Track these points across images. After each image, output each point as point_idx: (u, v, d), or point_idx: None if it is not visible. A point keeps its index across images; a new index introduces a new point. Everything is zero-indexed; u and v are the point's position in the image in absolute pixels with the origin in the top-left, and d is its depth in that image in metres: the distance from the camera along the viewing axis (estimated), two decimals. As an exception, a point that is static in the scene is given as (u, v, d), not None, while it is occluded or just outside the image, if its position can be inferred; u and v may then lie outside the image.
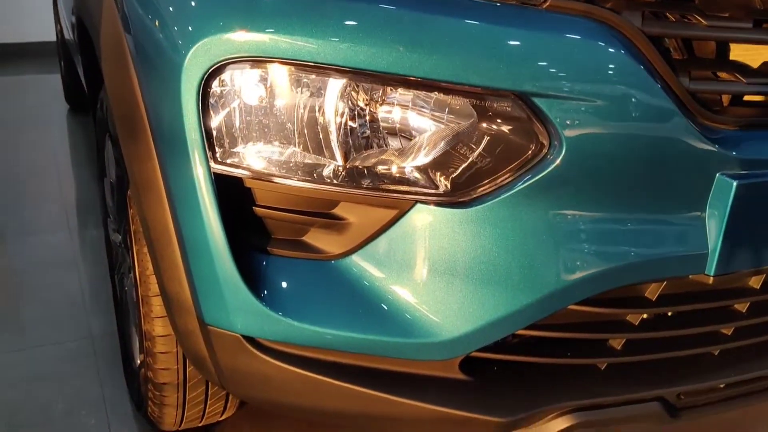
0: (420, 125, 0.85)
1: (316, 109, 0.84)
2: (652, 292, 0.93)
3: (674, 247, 0.87)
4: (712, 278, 0.88)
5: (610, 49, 0.80)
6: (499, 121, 0.82)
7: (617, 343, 0.95)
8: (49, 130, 3.34)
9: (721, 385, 1.00)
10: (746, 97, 0.91)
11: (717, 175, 0.85)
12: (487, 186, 0.84)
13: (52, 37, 3.87)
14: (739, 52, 0.90)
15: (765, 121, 0.89)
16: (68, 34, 2.35)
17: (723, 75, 0.89)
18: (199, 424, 1.29)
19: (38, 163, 2.88)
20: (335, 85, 0.83)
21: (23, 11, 4.63)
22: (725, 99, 0.90)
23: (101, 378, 1.54)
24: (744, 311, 0.99)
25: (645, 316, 0.95)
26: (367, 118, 0.84)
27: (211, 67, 0.81)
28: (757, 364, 1.03)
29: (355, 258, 0.89)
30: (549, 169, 0.81)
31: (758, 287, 0.98)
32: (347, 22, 0.78)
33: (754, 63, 0.90)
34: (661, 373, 0.99)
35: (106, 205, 1.56)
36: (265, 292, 0.89)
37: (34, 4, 4.46)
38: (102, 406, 1.45)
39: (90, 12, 1.26)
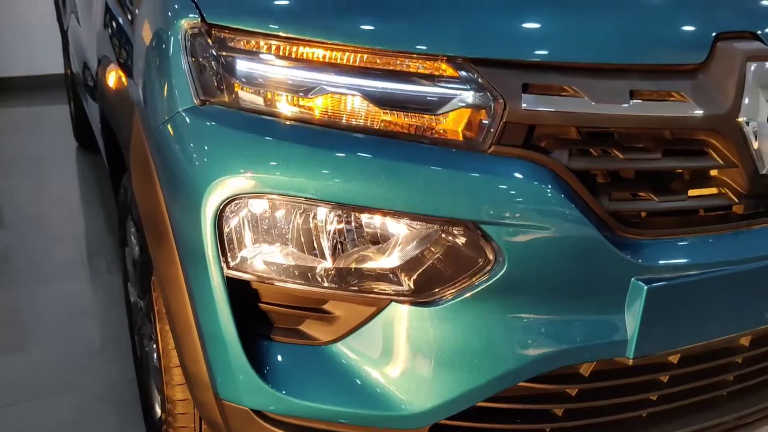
0: (395, 230, 1.05)
1: (310, 228, 1.05)
2: (585, 369, 1.13)
3: (600, 336, 1.08)
4: (631, 360, 1.08)
5: (542, 184, 1.00)
6: (455, 239, 1.03)
7: (559, 410, 1.15)
8: (60, 168, 3.53)
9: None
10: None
11: (632, 279, 1.05)
12: (447, 290, 1.04)
13: (62, 70, 4.05)
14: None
15: (676, 231, 1.09)
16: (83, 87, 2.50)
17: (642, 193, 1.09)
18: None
19: (50, 204, 3.08)
20: (323, 211, 1.03)
21: (34, 44, 4.84)
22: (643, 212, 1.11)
23: (122, 425, 1.74)
24: (666, 381, 1.20)
25: (580, 388, 1.15)
26: (346, 236, 1.04)
27: (227, 198, 1.02)
28: (680, 422, 1.24)
29: (341, 345, 1.10)
30: (495, 278, 1.02)
31: (676, 362, 1.18)
32: (333, 171, 0.99)
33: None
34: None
35: (126, 269, 1.77)
36: (268, 373, 1.10)
37: (44, 37, 4.66)
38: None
39: (117, 119, 1.47)
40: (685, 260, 1.08)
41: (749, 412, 1.29)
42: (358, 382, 1.09)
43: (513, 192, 1.00)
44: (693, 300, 1.09)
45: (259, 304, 1.11)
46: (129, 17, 1.36)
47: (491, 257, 1.02)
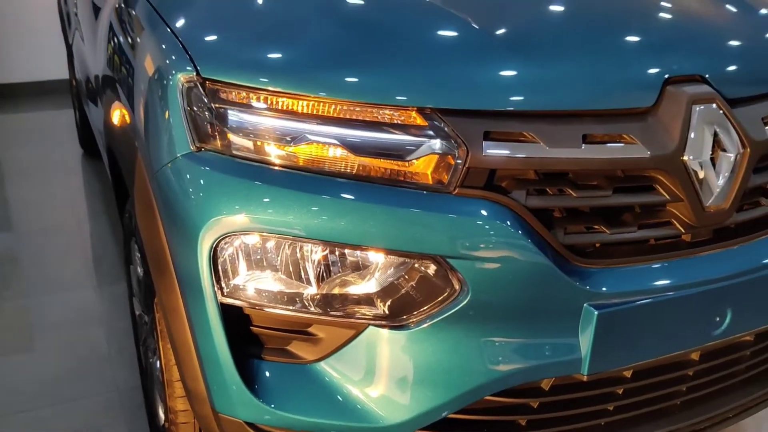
0: (372, 263, 1.17)
1: (296, 260, 1.17)
2: (546, 384, 1.25)
3: (557, 355, 1.20)
4: (586, 377, 1.20)
5: (501, 222, 1.12)
6: (425, 271, 1.15)
7: (522, 421, 1.28)
8: (67, 177, 3.65)
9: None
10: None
11: (584, 305, 1.17)
12: (419, 315, 1.16)
13: (66, 75, 4.16)
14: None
15: (625, 260, 1.21)
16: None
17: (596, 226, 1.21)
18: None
19: (58, 214, 3.20)
20: (308, 246, 1.15)
21: (39, 50, 4.94)
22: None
23: (130, 430, 1.87)
24: (621, 393, 1.32)
25: (541, 401, 1.27)
26: (328, 267, 1.16)
27: (221, 236, 1.14)
28: (637, 430, 1.36)
29: (324, 364, 1.22)
30: (461, 305, 1.14)
31: (630, 376, 1.30)
32: (316, 212, 1.11)
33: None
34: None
35: (131, 284, 1.89)
36: (259, 389, 1.22)
37: (50, 43, 4.76)
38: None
39: (121, 154, 1.59)
40: (634, 286, 1.20)
41: (701, 420, 1.41)
42: (340, 397, 1.22)
43: (475, 229, 1.12)
44: (642, 322, 1.20)
45: (251, 327, 1.23)
46: (131, 60, 1.47)
47: (457, 287, 1.14)
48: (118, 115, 1.56)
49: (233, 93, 1.17)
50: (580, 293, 1.16)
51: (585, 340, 1.18)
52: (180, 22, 1.32)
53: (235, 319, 1.21)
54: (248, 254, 1.17)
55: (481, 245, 1.12)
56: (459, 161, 1.12)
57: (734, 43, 1.37)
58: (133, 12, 1.54)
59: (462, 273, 1.12)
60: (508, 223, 1.12)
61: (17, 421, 1.90)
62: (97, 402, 1.98)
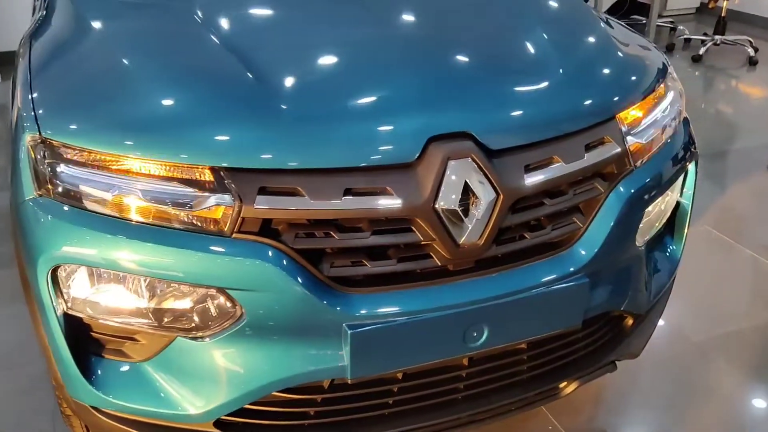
0: (174, 291, 1.46)
1: (117, 286, 1.47)
2: (325, 383, 1.55)
3: (327, 363, 1.49)
4: (350, 380, 1.50)
5: (270, 261, 1.39)
6: (214, 298, 1.44)
7: (312, 411, 1.59)
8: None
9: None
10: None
11: (343, 325, 1.45)
12: (213, 330, 1.47)
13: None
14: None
15: (384, 288, 1.48)
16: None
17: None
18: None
19: None
20: (122, 275, 1.45)
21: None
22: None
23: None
24: (396, 390, 1.61)
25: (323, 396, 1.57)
26: (141, 291, 1.47)
27: (54, 265, 1.45)
28: (422, 418, 1.65)
29: (148, 364, 1.54)
30: (241, 325, 1.44)
31: (401, 377, 1.60)
32: (122, 250, 1.40)
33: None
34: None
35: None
36: (97, 381, 1.54)
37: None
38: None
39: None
40: (387, 309, 1.47)
41: (479, 411, 1.70)
42: (160, 390, 1.54)
43: (248, 267, 1.40)
44: (394, 337, 1.48)
45: (90, 333, 1.55)
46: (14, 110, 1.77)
47: (238, 312, 1.43)
48: (8, 153, 1.86)
49: (63, 150, 1.45)
50: (338, 316, 1.44)
51: (346, 353, 1.47)
52: (38, 87, 1.60)
53: (77, 325, 1.53)
54: (77, 278, 1.48)
55: (253, 280, 1.40)
56: (235, 212, 1.40)
57: (503, 98, 1.60)
58: (17, 73, 1.83)
59: (240, 301, 1.42)
60: (276, 262, 1.40)
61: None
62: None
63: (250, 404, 1.54)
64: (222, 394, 1.51)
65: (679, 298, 2.83)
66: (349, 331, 1.44)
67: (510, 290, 1.56)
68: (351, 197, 1.43)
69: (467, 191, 1.47)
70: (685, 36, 6.67)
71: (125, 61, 1.64)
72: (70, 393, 1.59)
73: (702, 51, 6.18)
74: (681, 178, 1.99)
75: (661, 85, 1.89)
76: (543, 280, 1.59)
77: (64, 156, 1.45)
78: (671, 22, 7.04)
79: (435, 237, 1.47)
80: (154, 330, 1.50)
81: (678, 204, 2.06)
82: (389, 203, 1.44)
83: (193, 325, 1.48)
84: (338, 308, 1.44)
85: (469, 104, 1.56)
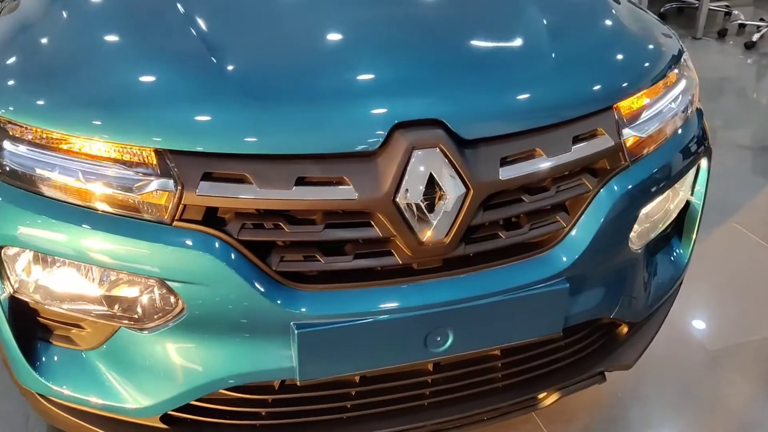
0: (116, 278, 1.38)
1: (60, 271, 1.40)
2: (276, 384, 1.46)
3: (274, 363, 1.39)
4: (299, 382, 1.40)
5: (212, 252, 1.30)
6: (155, 289, 1.36)
7: (263, 412, 1.50)
8: None
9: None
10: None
11: (291, 323, 1.35)
12: (154, 323, 1.38)
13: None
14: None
15: (337, 285, 1.37)
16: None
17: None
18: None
19: None
20: (64, 260, 1.38)
21: None
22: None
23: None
24: (354, 394, 1.51)
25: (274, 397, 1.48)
26: (85, 278, 1.39)
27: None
28: (385, 423, 1.55)
29: (93, 352, 1.47)
30: (181, 319, 1.35)
31: (358, 381, 1.49)
32: (60, 235, 1.33)
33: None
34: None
35: None
36: (41, 368, 1.48)
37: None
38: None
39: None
40: (341, 309, 1.36)
41: (447, 420, 1.59)
42: (104, 380, 1.47)
43: (189, 258, 1.31)
44: (347, 339, 1.37)
45: (38, 318, 1.49)
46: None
47: (178, 304, 1.34)
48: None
49: (9, 128, 1.38)
50: (286, 314, 1.34)
51: (294, 353, 1.37)
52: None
53: (22, 309, 1.47)
54: (21, 261, 1.41)
55: (193, 272, 1.31)
56: (176, 198, 1.30)
57: (481, 83, 1.45)
58: None
59: (181, 294, 1.33)
60: (218, 253, 1.31)
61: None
62: None
63: (198, 401, 1.46)
64: (167, 389, 1.43)
65: (696, 300, 2.65)
66: (296, 331, 1.34)
67: (478, 293, 1.44)
68: (303, 187, 1.32)
69: (434, 184, 1.35)
70: (740, 21, 6.31)
71: (72, 39, 1.56)
72: (17, 378, 1.53)
73: (756, 37, 5.84)
74: (691, 175, 1.82)
75: (672, 73, 1.72)
76: (517, 283, 1.46)
77: (11, 133, 1.38)
78: (726, 6, 6.67)
79: (395, 233, 1.36)
80: (97, 318, 1.42)
81: (688, 204, 1.89)
82: (345, 195, 1.32)
83: (136, 315, 1.40)
84: (286, 306, 1.34)
85: (442, 89, 1.43)
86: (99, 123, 1.34)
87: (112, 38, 1.54)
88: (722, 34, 6.15)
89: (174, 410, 1.47)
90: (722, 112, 4.48)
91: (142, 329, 1.40)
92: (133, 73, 1.42)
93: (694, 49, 5.96)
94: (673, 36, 1.87)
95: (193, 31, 1.50)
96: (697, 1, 6.17)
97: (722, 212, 3.24)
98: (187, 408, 1.47)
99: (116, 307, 1.40)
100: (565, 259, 1.48)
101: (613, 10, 1.82)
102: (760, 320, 2.58)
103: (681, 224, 1.92)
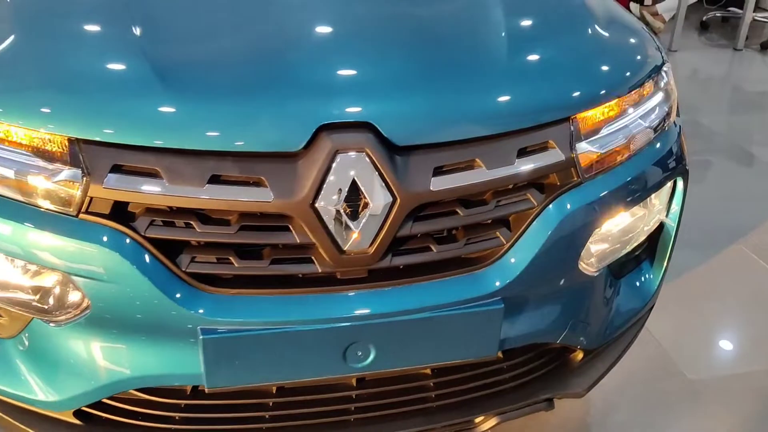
0: (25, 270, 1.34)
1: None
2: (188, 388, 1.40)
3: (182, 367, 1.34)
4: (207, 389, 1.34)
5: (117, 249, 1.25)
6: (60, 281, 1.31)
7: (177, 416, 1.44)
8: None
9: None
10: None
11: (198, 328, 1.29)
12: (62, 317, 1.34)
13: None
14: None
15: (252, 291, 1.31)
16: None
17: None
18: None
19: None
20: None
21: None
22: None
23: None
24: (272, 405, 1.45)
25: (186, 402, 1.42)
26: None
27: None
28: None
29: (11, 342, 1.44)
30: (85, 316, 1.30)
31: (275, 391, 1.43)
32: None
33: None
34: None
35: None
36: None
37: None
38: None
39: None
40: (252, 316, 1.30)
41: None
42: (19, 371, 1.43)
43: (92, 252, 1.26)
44: (257, 348, 1.31)
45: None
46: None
47: (83, 301, 1.30)
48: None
49: None
50: (192, 318, 1.28)
51: (201, 358, 1.31)
52: None
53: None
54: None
55: (96, 268, 1.26)
56: (82, 189, 1.25)
57: (419, 86, 1.36)
58: None
59: (84, 290, 1.28)
60: (122, 250, 1.25)
61: None
62: None
63: (111, 400, 1.41)
64: (76, 385, 1.39)
65: (685, 324, 2.52)
66: (201, 336, 1.28)
67: (403, 308, 1.36)
68: (216, 186, 1.26)
69: (358, 191, 1.27)
70: (786, 34, 6.05)
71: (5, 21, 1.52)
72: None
73: (800, 51, 5.58)
74: (666, 194, 1.71)
75: (648, 84, 1.60)
76: (447, 300, 1.37)
77: None
78: (773, 18, 6.40)
79: (314, 240, 1.29)
80: (7, 305, 1.39)
81: (662, 225, 1.77)
82: (260, 197, 1.26)
83: (45, 307, 1.36)
84: (191, 309, 1.28)
85: (376, 91, 1.35)
86: (8, 107, 1.29)
87: (26, 22, 1.49)
88: (765, 47, 5.89)
89: (88, 407, 1.42)
90: (762, 128, 4.25)
91: (50, 322, 1.36)
92: (45, 57, 1.37)
93: (733, 61, 5.72)
94: (657, 46, 1.75)
95: (116, 17, 1.44)
96: (741, 11, 5.92)
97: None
98: (101, 406, 1.43)
99: (25, 296, 1.36)
100: (501, 277, 1.39)
101: (588, 17, 1.70)
102: (746, 352, 2.43)
103: (655, 248, 1.81)
